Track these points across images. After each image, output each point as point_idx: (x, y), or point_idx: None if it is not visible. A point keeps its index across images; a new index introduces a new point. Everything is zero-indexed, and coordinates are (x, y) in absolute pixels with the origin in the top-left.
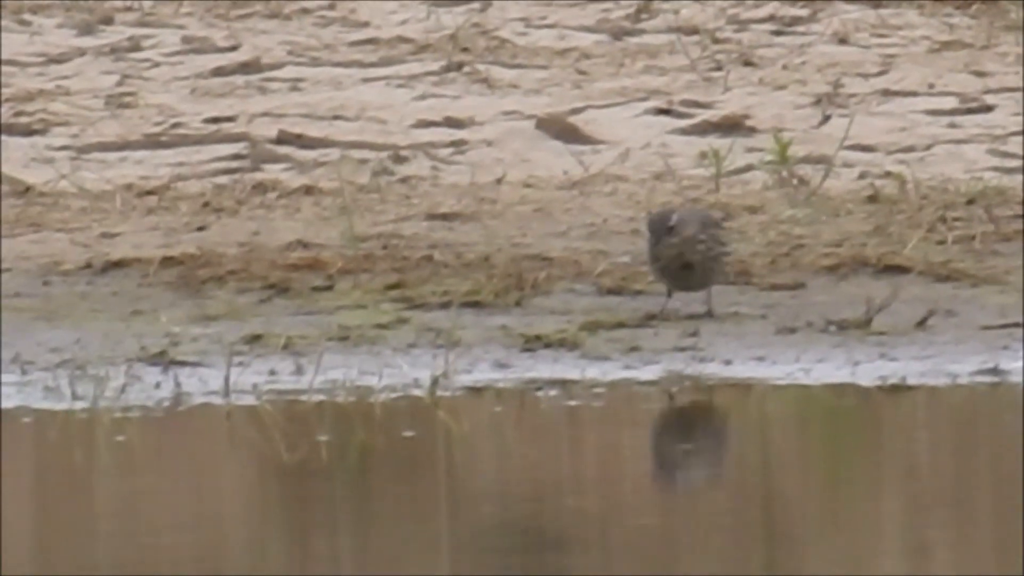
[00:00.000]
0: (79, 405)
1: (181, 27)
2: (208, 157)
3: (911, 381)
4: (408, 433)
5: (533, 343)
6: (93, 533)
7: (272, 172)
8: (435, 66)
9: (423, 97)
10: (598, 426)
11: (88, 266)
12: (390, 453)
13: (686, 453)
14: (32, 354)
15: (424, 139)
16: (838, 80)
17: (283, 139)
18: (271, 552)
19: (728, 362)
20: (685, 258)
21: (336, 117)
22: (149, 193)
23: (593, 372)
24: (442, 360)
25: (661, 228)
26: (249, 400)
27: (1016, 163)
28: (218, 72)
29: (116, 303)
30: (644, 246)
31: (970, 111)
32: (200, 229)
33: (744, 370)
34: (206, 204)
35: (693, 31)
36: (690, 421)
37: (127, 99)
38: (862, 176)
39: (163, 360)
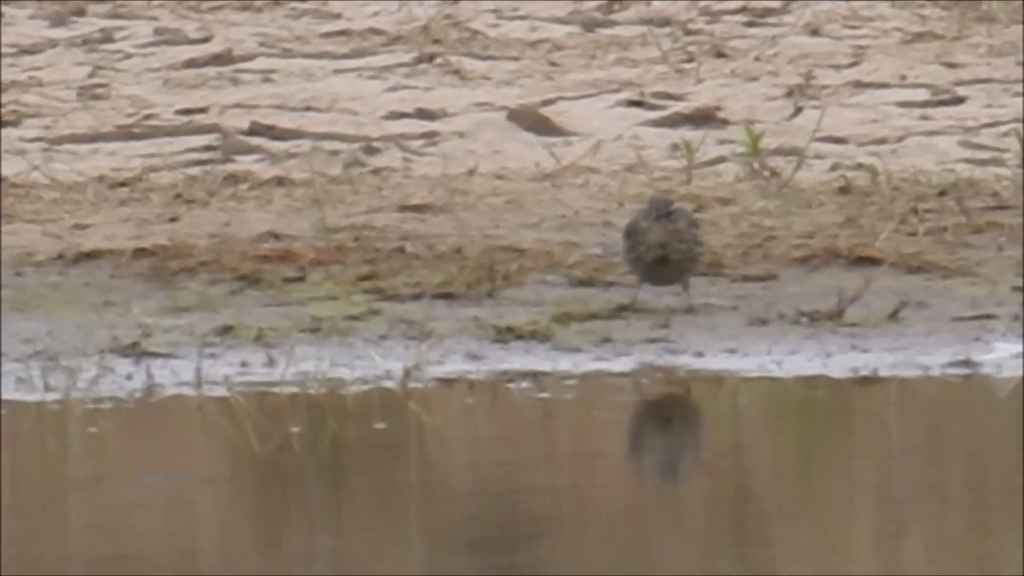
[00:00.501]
0: (51, 396)
1: (153, 19)
2: (180, 148)
3: (883, 373)
4: (380, 425)
5: (505, 335)
6: (65, 525)
7: (244, 163)
8: (407, 58)
9: (395, 89)
10: (570, 418)
11: (60, 257)
12: (362, 445)
13: (658, 445)
14: (4, 345)
15: (396, 130)
16: (810, 72)
17: (255, 130)
18: (243, 544)
19: (700, 354)
20: (665, 252)
21: (308, 108)
22: (121, 184)
23: (565, 364)
24: (414, 352)
25: (663, 206)
26: (221, 392)
27: (988, 155)
28: (190, 64)
29: (88, 294)
30: (629, 230)
31: (942, 103)
32: (172, 220)
33: (716, 362)
34: (178, 195)
35: (665, 23)
36: (662, 413)
37: (99, 90)
38: (834, 168)
39: (135, 351)
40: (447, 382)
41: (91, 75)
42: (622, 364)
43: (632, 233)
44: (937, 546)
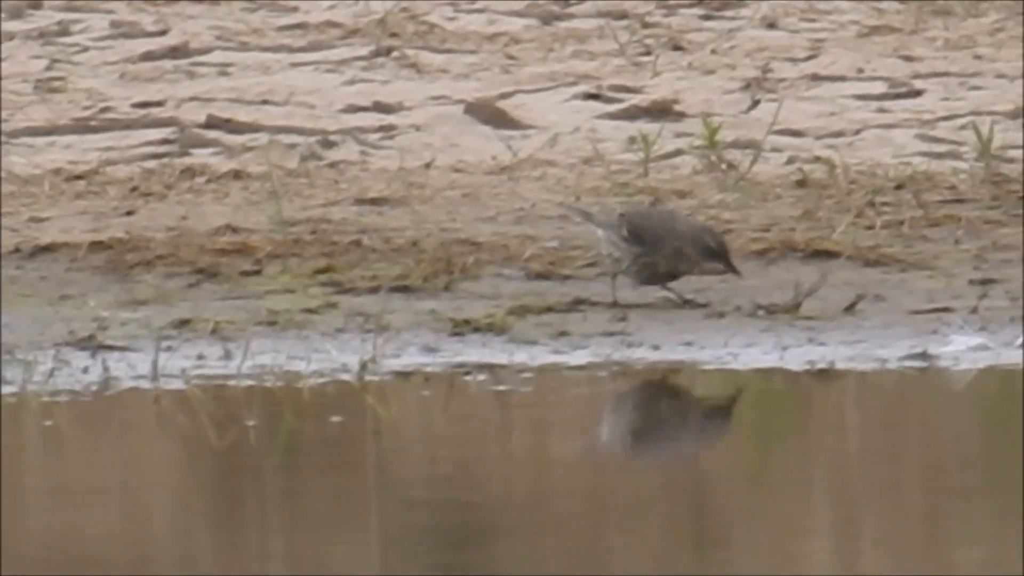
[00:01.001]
0: (7, 389)
1: (110, 12)
2: (137, 142)
3: (840, 366)
4: (336, 418)
5: (462, 327)
6: (21, 518)
7: (201, 156)
8: (364, 51)
9: (352, 82)
10: (526, 410)
11: (17, 250)
12: (318, 438)
13: (615, 438)
14: None
15: (353, 124)
16: (767, 65)
17: (212, 124)
18: (199, 538)
19: (657, 347)
20: (681, 270)
21: (265, 102)
22: (78, 178)
23: (521, 356)
24: (370, 344)
25: (723, 247)
26: (177, 385)
27: (945, 148)
28: (147, 57)
29: (44, 287)
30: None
31: (899, 96)
32: (129, 214)
33: (673, 355)
34: (134, 188)
35: (622, 16)
36: (619, 406)
37: (56, 83)
38: (791, 161)
39: (91, 344)
40: (404, 375)
41: (48, 68)
42: (579, 357)
43: (659, 244)
44: (893, 540)
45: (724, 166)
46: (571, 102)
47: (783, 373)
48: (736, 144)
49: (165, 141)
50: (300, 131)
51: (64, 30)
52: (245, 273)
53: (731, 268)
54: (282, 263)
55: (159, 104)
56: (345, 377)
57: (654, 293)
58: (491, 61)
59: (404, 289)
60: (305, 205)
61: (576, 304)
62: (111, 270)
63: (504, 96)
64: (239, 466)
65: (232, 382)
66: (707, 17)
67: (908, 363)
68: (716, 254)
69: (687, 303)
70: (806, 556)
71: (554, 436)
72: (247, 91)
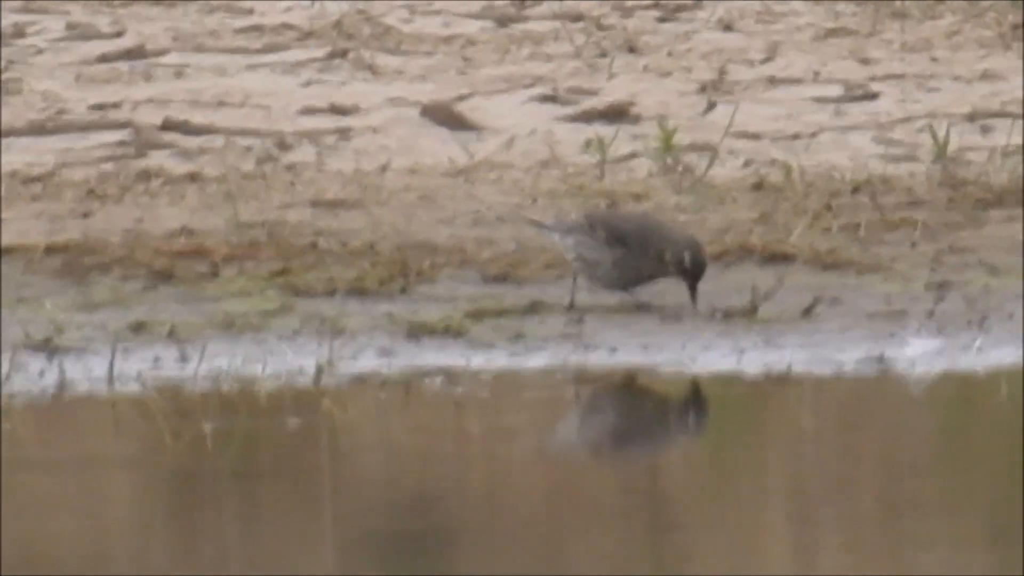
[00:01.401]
0: None
1: (66, 13)
2: (93, 144)
3: (796, 369)
4: (293, 421)
5: (418, 331)
6: None
7: (157, 159)
8: (320, 53)
9: (308, 84)
10: (483, 414)
11: None
12: (275, 441)
13: (572, 441)
14: None
15: (309, 126)
16: (723, 67)
17: (168, 126)
18: (155, 539)
19: (614, 350)
20: (659, 274)
21: (221, 104)
22: (34, 180)
23: (478, 360)
24: (327, 348)
25: (701, 258)
26: (134, 388)
27: (902, 151)
28: (103, 59)
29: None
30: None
31: (855, 99)
32: (85, 216)
33: (630, 358)
34: (91, 191)
35: (578, 18)
36: (576, 409)
37: (11, 85)
38: (747, 164)
39: (47, 347)
40: (360, 378)
41: (4, 70)
42: (536, 360)
43: (645, 246)
44: (849, 542)
45: (680, 169)
46: (527, 104)
47: (740, 377)
48: (692, 147)
49: (121, 143)
50: (256, 133)
51: (19, 32)
52: (201, 276)
53: (692, 292)
54: (238, 266)
55: (115, 106)
56: (301, 380)
57: (615, 296)
58: (447, 63)
59: (360, 292)
60: (261, 208)
61: (533, 307)
62: (67, 273)
63: (460, 98)
64: (195, 469)
65: (188, 385)
66: (663, 19)
67: (865, 367)
68: (687, 273)
69: (642, 307)
70: (760, 557)
71: (510, 439)
72: (203, 93)
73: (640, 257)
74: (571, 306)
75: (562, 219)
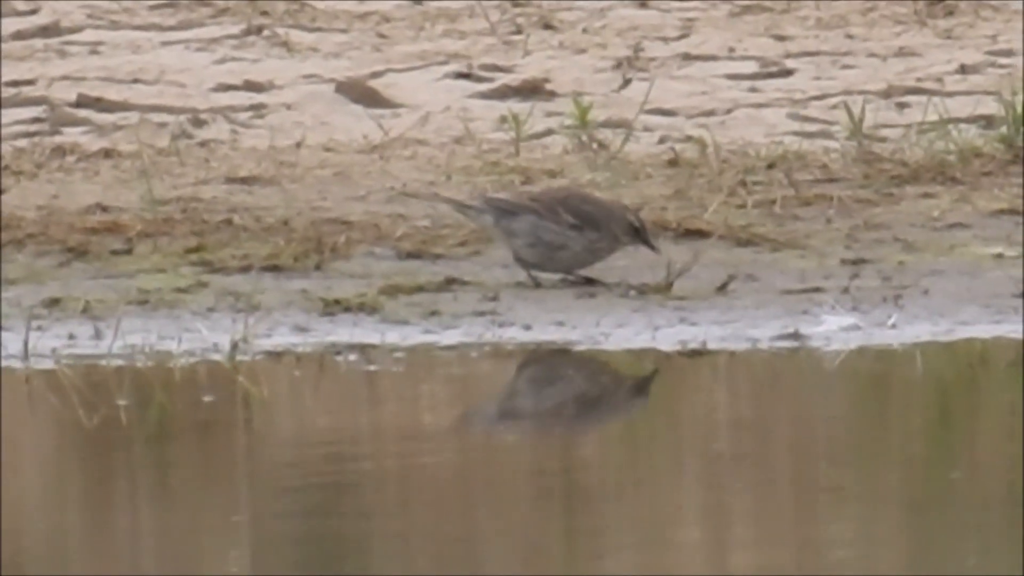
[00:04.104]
0: None
1: None
2: (7, 120)
3: (711, 346)
4: (207, 397)
5: (333, 307)
6: None
7: (71, 135)
8: (235, 29)
9: (222, 61)
10: (397, 390)
11: None
12: (189, 418)
13: (486, 417)
14: None
15: (223, 103)
16: (638, 44)
17: (82, 103)
18: (67, 516)
19: (528, 327)
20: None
21: (135, 81)
22: None
23: (393, 336)
24: (241, 324)
25: (644, 228)
26: (48, 364)
27: (816, 127)
28: (18, 36)
29: None
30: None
31: (771, 75)
32: None
33: (544, 335)
34: (5, 167)
35: None
36: (489, 385)
37: None
38: (662, 140)
39: None
40: (275, 355)
41: None
42: (450, 337)
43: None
44: (762, 518)
45: (595, 145)
46: (442, 81)
47: (655, 353)
48: (607, 123)
49: (36, 120)
50: (171, 110)
51: None
52: (116, 252)
53: (651, 245)
54: (153, 242)
55: (30, 83)
56: (216, 357)
57: (524, 275)
58: (362, 40)
59: (275, 268)
60: (176, 184)
61: (447, 284)
62: None
63: (375, 75)
64: (109, 445)
65: (103, 361)
66: None
67: (779, 343)
68: (638, 232)
69: (590, 282)
70: (673, 532)
71: (424, 415)
72: (118, 70)
73: (612, 238)
74: (537, 284)
75: (492, 201)
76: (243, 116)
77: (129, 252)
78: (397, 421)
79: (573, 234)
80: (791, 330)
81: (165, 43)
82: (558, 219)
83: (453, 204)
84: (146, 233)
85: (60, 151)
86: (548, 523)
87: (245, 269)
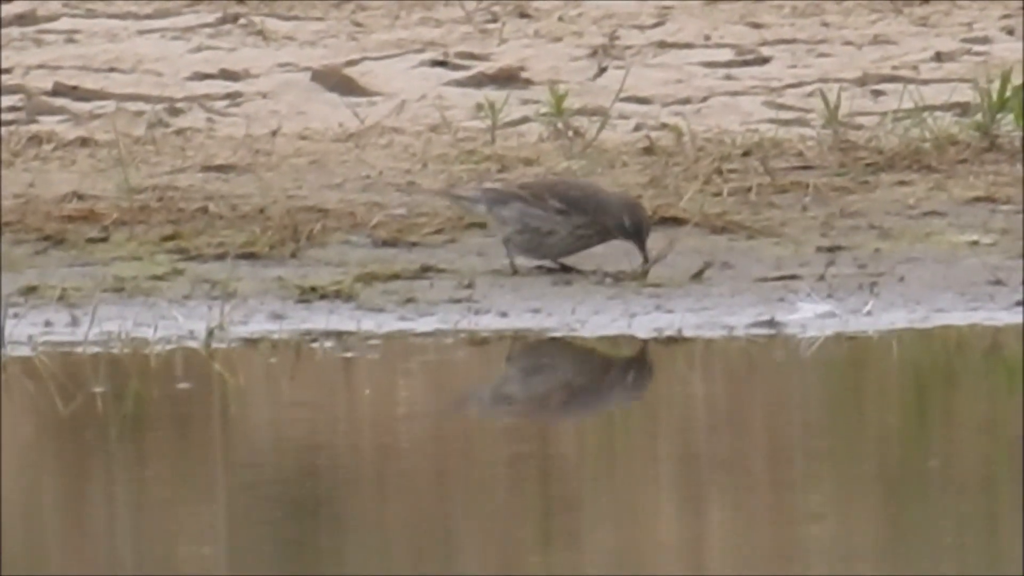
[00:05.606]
0: None
1: None
2: None
3: (687, 333)
4: (183, 385)
5: (308, 295)
6: None
7: (48, 124)
8: (211, 18)
9: (198, 49)
10: (372, 377)
11: None
12: (165, 405)
13: (463, 405)
14: None
15: (199, 91)
16: (614, 32)
17: (59, 91)
18: (43, 503)
19: (504, 314)
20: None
21: (112, 69)
22: None
23: (368, 324)
24: (217, 312)
25: (640, 231)
26: (24, 351)
27: (792, 115)
28: None
29: None
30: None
31: (746, 63)
32: None
33: (520, 322)
34: None
35: None
36: (465, 372)
37: None
38: (638, 128)
39: None
40: (251, 342)
41: None
42: (426, 324)
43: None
44: (739, 508)
45: (571, 133)
46: (418, 69)
47: (630, 340)
48: (583, 111)
49: (12, 109)
50: (147, 99)
51: None
52: (92, 240)
53: (641, 249)
54: (129, 230)
55: (6, 71)
56: (192, 344)
57: (504, 260)
58: (338, 28)
59: (251, 256)
60: (152, 172)
61: (423, 271)
62: None
63: (351, 63)
64: (85, 433)
65: (79, 349)
66: None
67: (755, 330)
68: (629, 233)
69: (567, 269)
70: (648, 520)
71: (399, 402)
72: (94, 59)
73: (593, 224)
74: (515, 271)
75: (484, 190)
76: (219, 104)
77: (105, 240)
78: (372, 408)
79: (560, 219)
80: (767, 317)
81: (141, 32)
82: (544, 205)
83: (451, 198)
84: (122, 221)
85: (36, 140)
86: (520, 509)
87: (221, 257)
